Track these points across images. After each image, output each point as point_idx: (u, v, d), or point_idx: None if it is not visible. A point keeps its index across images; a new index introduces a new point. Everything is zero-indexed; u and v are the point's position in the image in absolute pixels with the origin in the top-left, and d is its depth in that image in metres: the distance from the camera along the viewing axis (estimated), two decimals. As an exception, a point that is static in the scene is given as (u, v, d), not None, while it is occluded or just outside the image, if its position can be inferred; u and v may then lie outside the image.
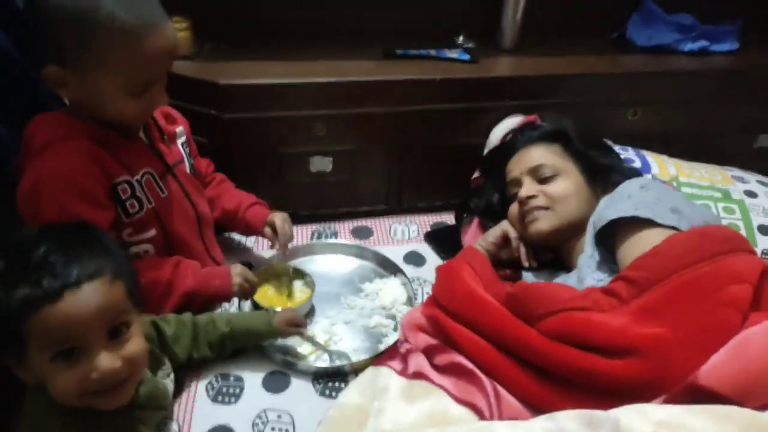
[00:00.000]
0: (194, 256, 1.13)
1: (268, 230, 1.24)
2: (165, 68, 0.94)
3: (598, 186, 1.15)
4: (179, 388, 1.00)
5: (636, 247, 0.92)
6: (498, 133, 1.44)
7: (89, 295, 0.69)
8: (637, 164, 1.36)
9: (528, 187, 1.15)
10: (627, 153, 1.40)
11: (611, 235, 0.99)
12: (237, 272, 1.09)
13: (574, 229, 1.11)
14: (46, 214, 0.88)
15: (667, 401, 0.71)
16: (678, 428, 0.63)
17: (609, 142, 1.40)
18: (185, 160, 1.17)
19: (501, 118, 1.47)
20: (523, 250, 1.18)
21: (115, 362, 0.71)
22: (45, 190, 0.88)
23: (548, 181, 1.15)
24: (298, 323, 1.07)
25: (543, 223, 1.11)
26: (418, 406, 0.86)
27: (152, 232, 1.04)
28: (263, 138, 1.38)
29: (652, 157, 1.39)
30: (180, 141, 1.17)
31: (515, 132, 1.33)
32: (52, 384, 0.70)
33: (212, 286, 1.07)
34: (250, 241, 1.41)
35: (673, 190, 1.04)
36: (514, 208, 1.19)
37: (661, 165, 1.38)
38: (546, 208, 1.12)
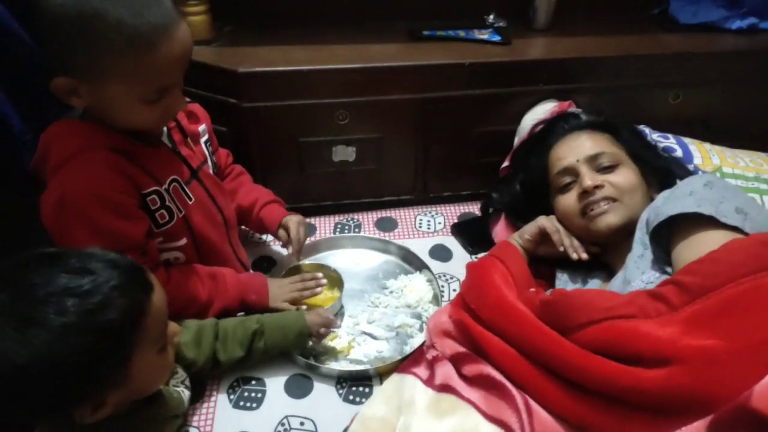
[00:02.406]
0: (223, 260, 1.10)
1: (282, 233, 1.20)
2: (180, 73, 0.88)
3: (648, 179, 1.08)
4: (200, 392, 0.98)
5: (694, 247, 0.85)
6: (530, 120, 1.37)
7: None
8: (678, 153, 1.28)
9: (592, 176, 1.06)
10: (668, 141, 1.32)
11: (668, 233, 0.92)
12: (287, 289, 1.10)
13: (633, 226, 1.02)
14: (76, 231, 0.84)
15: (713, 422, 0.66)
16: None
17: (647, 129, 1.33)
18: (208, 159, 1.13)
19: (533, 104, 1.40)
20: (575, 242, 1.08)
21: None
22: (72, 207, 0.83)
23: (609, 171, 1.06)
24: (329, 324, 1.04)
25: (613, 216, 1.02)
26: (446, 422, 0.83)
27: (183, 241, 1.01)
28: (284, 127, 1.33)
29: (694, 146, 1.31)
30: (203, 140, 1.12)
31: (550, 122, 1.25)
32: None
33: (249, 301, 1.07)
34: (265, 234, 1.38)
35: (740, 190, 0.96)
36: (570, 199, 1.08)
37: (704, 154, 1.29)
38: (614, 200, 1.04)
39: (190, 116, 1.10)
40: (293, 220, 1.19)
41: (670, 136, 1.33)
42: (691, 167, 1.24)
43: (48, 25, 0.79)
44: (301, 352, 1.05)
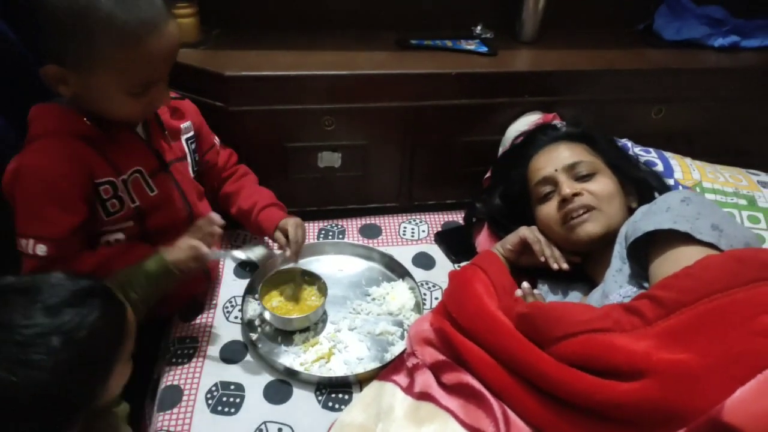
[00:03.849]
0: None
1: (279, 235, 1.20)
2: (166, 69, 0.91)
3: (630, 192, 1.09)
4: (178, 394, 0.98)
5: (670, 263, 0.86)
6: (514, 131, 1.38)
7: None
8: (660, 167, 1.30)
9: (570, 184, 1.06)
10: (649, 155, 1.34)
11: (645, 249, 0.93)
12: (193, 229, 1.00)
13: (613, 235, 1.03)
14: (19, 205, 0.90)
15: None
16: None
17: (630, 143, 1.35)
18: (188, 157, 1.13)
19: (518, 115, 1.41)
20: (556, 253, 1.09)
21: None
22: (21, 183, 0.89)
23: (587, 179, 1.07)
24: (195, 253, 0.96)
25: (592, 225, 1.03)
26: (424, 430, 0.83)
27: (129, 223, 1.01)
28: (270, 131, 1.33)
29: (675, 160, 1.33)
30: (185, 137, 1.13)
31: (530, 133, 1.26)
32: None
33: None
34: (254, 239, 1.37)
35: (717, 207, 0.97)
36: (550, 209, 1.09)
37: (684, 169, 1.31)
38: (592, 208, 1.04)
39: (175, 112, 1.12)
40: (291, 223, 1.19)
41: (651, 150, 1.35)
42: (671, 182, 1.25)
43: (41, 15, 0.82)
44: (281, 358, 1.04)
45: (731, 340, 0.72)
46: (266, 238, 1.30)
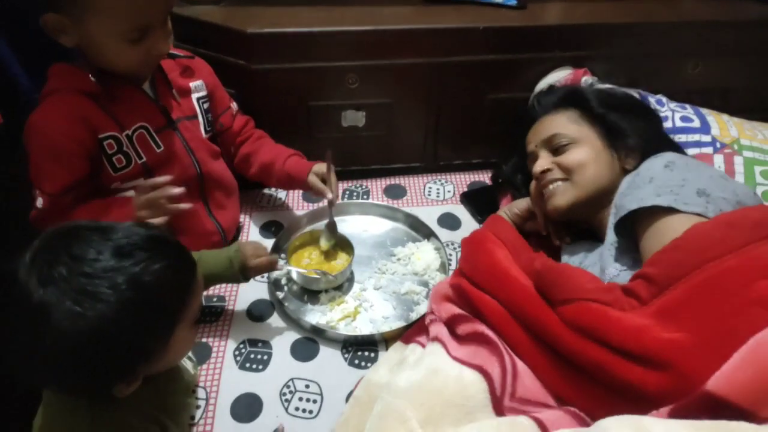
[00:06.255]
0: (188, 213, 1.08)
1: (314, 179, 1.17)
2: (160, 13, 0.91)
3: (619, 151, 1.05)
4: (206, 351, 0.99)
5: (657, 238, 0.83)
6: (544, 87, 1.34)
7: None
8: (696, 124, 1.25)
9: (542, 161, 1.07)
10: (685, 111, 1.29)
11: (633, 224, 0.90)
12: (141, 203, 0.94)
13: (598, 200, 1.02)
14: (30, 156, 0.94)
15: (676, 409, 0.64)
16: None
17: (664, 99, 1.30)
18: (199, 116, 1.12)
19: (548, 71, 1.36)
20: (551, 228, 1.11)
21: None
22: (29, 138, 0.93)
23: (563, 151, 1.06)
24: (261, 264, 1.00)
25: (560, 198, 1.02)
26: (426, 361, 0.84)
27: (140, 181, 1.01)
28: (293, 90, 1.31)
29: (712, 116, 1.28)
30: (196, 96, 1.12)
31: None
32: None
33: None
34: (279, 200, 1.37)
35: (704, 166, 0.93)
36: (533, 185, 1.11)
37: (722, 125, 1.26)
38: (563, 180, 1.04)
39: (185, 71, 1.11)
40: (324, 167, 1.17)
41: (687, 106, 1.30)
42: (708, 138, 1.21)
43: None
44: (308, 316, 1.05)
45: (725, 313, 0.69)
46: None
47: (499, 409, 0.77)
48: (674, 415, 0.64)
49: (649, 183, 0.88)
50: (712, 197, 0.83)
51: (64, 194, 0.95)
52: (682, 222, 0.81)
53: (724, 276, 0.71)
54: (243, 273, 0.99)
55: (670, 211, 0.83)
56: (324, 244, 1.19)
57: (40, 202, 0.94)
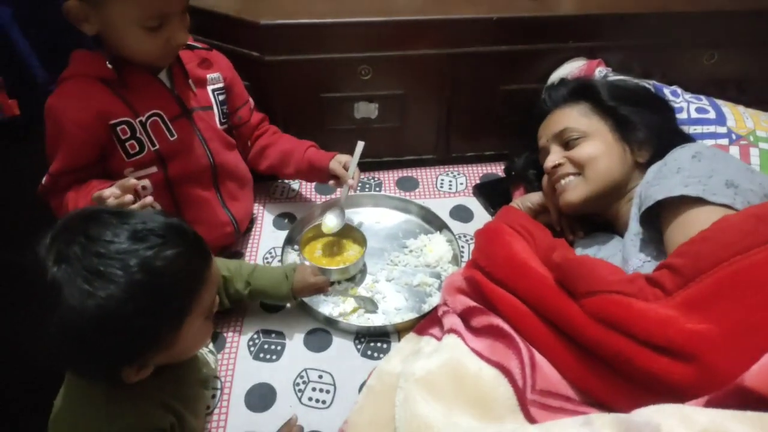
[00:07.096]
0: (201, 204, 1.11)
1: (336, 165, 1.19)
2: (179, 1, 0.93)
3: (631, 144, 1.04)
4: (221, 341, 1.00)
5: (684, 229, 0.82)
6: (558, 78, 1.33)
7: None
8: (711, 115, 1.24)
9: (553, 156, 1.07)
10: (700, 102, 1.27)
11: (658, 214, 0.89)
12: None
13: (611, 193, 1.02)
14: (45, 136, 0.97)
15: (711, 402, 0.63)
16: None
17: (679, 90, 1.28)
18: (215, 107, 1.13)
19: (562, 62, 1.35)
20: (564, 223, 1.11)
21: None
22: (46, 119, 0.96)
23: (574, 145, 1.05)
24: (318, 282, 1.03)
25: (572, 193, 1.03)
26: (442, 352, 0.84)
27: (153, 169, 1.03)
28: (306, 81, 1.31)
29: (727, 108, 1.27)
30: (212, 87, 1.13)
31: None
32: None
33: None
34: (292, 191, 1.38)
35: (730, 157, 0.92)
36: (544, 180, 1.11)
37: (737, 117, 1.25)
38: (575, 175, 1.04)
39: (203, 62, 1.13)
40: (346, 157, 1.20)
41: (702, 97, 1.28)
42: (724, 129, 1.20)
43: None
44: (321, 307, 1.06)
45: (753, 305, 0.68)
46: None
47: (524, 404, 0.77)
48: (709, 407, 0.63)
49: (676, 173, 0.88)
50: (741, 189, 0.83)
51: (63, 176, 0.97)
52: (709, 213, 0.80)
53: (752, 269, 0.71)
54: (294, 291, 1.01)
55: (698, 201, 0.82)
56: (326, 228, 1.18)
57: (45, 180, 0.98)
